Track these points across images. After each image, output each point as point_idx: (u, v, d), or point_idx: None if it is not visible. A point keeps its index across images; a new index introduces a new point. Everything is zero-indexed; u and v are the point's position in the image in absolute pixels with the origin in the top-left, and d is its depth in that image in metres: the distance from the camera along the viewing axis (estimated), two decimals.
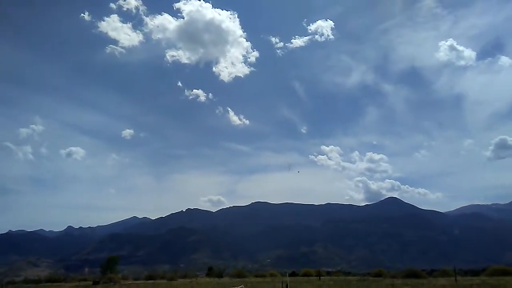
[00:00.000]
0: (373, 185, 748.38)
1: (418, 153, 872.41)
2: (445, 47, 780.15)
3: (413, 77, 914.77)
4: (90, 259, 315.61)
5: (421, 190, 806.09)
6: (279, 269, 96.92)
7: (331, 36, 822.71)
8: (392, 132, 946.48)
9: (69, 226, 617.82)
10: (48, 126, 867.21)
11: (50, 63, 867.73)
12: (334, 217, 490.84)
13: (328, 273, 79.73)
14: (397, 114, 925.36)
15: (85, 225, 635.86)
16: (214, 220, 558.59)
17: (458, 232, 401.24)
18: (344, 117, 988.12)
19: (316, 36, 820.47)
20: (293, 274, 74.22)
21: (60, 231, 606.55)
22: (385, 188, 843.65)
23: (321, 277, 59.30)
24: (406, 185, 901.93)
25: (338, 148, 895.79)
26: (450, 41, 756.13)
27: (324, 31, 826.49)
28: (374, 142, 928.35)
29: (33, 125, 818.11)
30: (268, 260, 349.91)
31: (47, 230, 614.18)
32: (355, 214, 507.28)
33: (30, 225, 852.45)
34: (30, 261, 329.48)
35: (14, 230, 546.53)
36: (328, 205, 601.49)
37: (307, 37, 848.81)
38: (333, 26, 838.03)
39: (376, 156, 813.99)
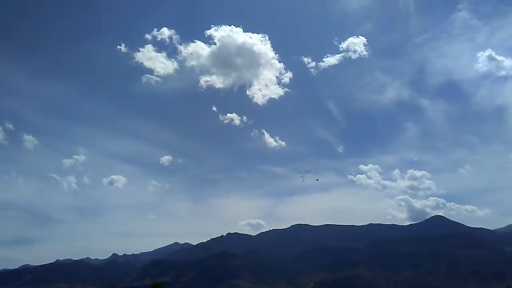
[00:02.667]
0: (417, 204, 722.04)
1: (462, 169, 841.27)
2: (483, 58, 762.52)
3: (452, 90, 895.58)
4: (135, 286, 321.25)
5: (468, 207, 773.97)
6: None
7: (364, 52, 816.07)
8: (433, 147, 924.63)
9: (114, 254, 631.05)
10: (89, 156, 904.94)
11: (90, 95, 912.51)
12: (377, 238, 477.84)
13: None
14: (437, 129, 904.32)
15: (129, 252, 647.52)
16: (255, 244, 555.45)
17: (510, 250, 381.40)
18: (381, 135, 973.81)
19: (350, 53, 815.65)
20: None
21: (105, 259, 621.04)
22: (430, 206, 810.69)
23: None
24: (452, 202, 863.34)
25: (377, 166, 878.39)
26: (489, 52, 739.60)
27: (357, 47, 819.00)
28: (415, 159, 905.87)
29: (76, 156, 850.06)
30: (312, 284, 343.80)
31: (93, 258, 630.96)
32: (399, 234, 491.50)
33: (76, 254, 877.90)
34: None
35: (61, 259, 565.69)
36: (370, 225, 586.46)
37: (339, 55, 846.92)
38: (366, 42, 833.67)
39: (418, 173, 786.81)
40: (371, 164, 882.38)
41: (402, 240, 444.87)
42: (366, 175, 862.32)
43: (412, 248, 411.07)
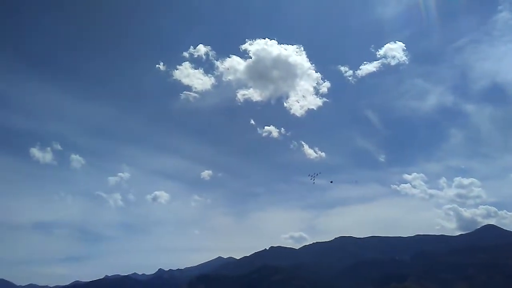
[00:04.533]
0: (466, 213, 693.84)
1: None
2: None
3: (497, 94, 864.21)
4: None
5: None
6: None
7: (404, 58, 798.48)
8: (480, 154, 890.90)
9: (160, 269, 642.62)
10: (133, 173, 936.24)
11: (132, 114, 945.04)
12: (426, 249, 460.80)
13: None
14: (483, 134, 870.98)
15: (174, 267, 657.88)
16: (298, 257, 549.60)
17: None
18: (425, 143, 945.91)
19: (388, 59, 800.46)
20: None
21: (151, 274, 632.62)
22: (480, 215, 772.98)
23: None
24: (504, 210, 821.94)
25: (422, 175, 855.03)
26: None
27: (395, 53, 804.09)
28: (462, 166, 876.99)
29: (120, 173, 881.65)
30: None
31: (140, 274, 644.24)
32: (449, 245, 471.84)
33: (124, 269, 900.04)
34: None
35: (110, 275, 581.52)
36: (418, 236, 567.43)
37: (377, 62, 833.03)
38: (404, 48, 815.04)
39: (466, 181, 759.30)
40: (415, 173, 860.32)
41: (453, 251, 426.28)
42: (411, 184, 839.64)
43: (463, 259, 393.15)
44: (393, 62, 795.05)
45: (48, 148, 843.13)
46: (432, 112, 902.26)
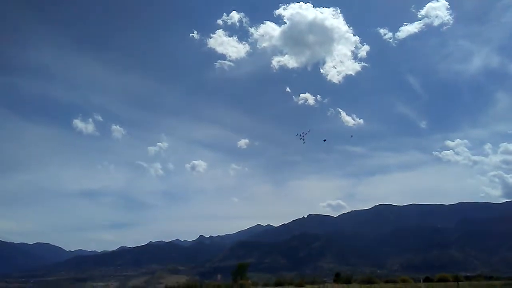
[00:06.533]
0: None
1: None
2: None
3: None
4: (222, 266, 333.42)
5: None
6: (410, 274, 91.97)
7: (448, 17, 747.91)
8: None
9: (201, 236, 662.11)
10: (172, 142, 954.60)
11: (169, 84, 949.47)
12: (469, 217, 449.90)
13: (467, 278, 73.71)
14: None
15: (215, 234, 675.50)
16: (336, 225, 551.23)
17: None
18: (469, 107, 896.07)
19: (431, 19, 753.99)
20: (427, 280, 69.92)
21: (193, 241, 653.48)
22: None
23: (459, 282, 54.92)
24: None
25: (465, 141, 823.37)
26: None
27: (438, 12, 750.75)
28: (509, 131, 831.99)
29: (159, 143, 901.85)
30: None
31: (182, 240, 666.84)
32: (494, 213, 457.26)
33: (167, 236, 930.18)
34: (170, 269, 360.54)
35: (154, 241, 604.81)
36: (461, 204, 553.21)
37: (418, 22, 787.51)
38: (448, 6, 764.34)
39: None
40: (458, 139, 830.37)
41: (497, 219, 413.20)
42: (454, 151, 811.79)
43: (509, 227, 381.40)
44: (436, 22, 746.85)
45: (90, 119, 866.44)
46: (477, 74, 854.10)
